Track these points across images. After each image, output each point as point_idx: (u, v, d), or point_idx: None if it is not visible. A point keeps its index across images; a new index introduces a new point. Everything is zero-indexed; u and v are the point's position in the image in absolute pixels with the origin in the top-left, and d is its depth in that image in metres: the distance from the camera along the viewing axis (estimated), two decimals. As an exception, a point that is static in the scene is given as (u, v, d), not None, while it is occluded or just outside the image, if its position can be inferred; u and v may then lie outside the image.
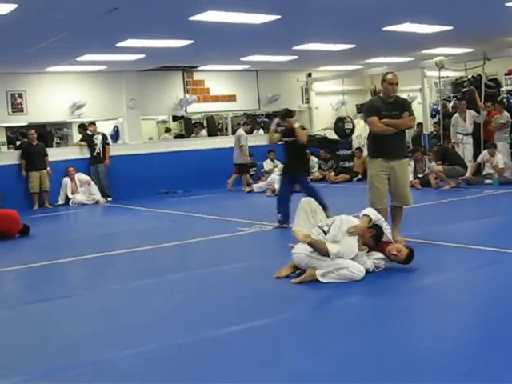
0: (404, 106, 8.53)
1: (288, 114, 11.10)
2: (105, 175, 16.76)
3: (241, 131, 17.60)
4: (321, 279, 6.76)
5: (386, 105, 8.45)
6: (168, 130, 21.90)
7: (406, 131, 9.57)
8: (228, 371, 4.45)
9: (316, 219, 7.49)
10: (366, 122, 8.90)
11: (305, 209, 7.58)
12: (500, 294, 6.17)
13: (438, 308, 5.81)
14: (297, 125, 10.76)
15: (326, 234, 7.07)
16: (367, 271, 6.86)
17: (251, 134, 19.22)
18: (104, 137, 17.12)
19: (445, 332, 5.06)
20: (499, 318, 5.33)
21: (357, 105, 20.57)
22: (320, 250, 6.86)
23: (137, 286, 7.21)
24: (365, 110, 8.92)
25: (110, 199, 16.53)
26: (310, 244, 6.90)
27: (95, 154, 16.81)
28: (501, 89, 17.41)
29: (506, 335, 4.88)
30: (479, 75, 16.50)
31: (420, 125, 18.90)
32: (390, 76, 8.49)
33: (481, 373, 4.16)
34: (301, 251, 7.00)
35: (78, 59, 14.54)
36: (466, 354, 4.55)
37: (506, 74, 17.44)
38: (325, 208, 9.50)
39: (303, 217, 7.52)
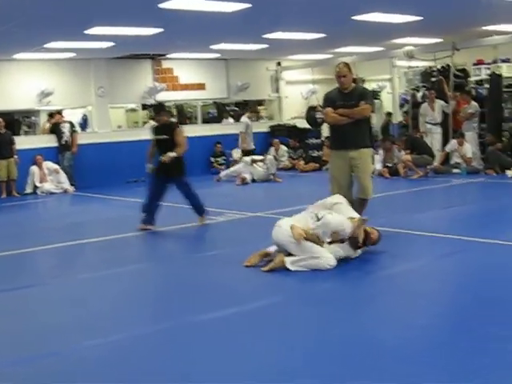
0: (361, 96, 8.45)
1: (160, 108, 10.35)
2: (69, 164, 16.60)
3: (245, 118, 17.61)
4: (290, 267, 6.79)
5: (342, 95, 8.46)
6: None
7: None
8: (191, 360, 4.46)
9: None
10: None
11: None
12: (468, 282, 6.24)
13: (406, 296, 5.86)
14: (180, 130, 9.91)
15: (318, 220, 7.15)
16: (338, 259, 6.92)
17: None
18: (72, 125, 16.97)
19: (412, 320, 5.10)
20: (467, 306, 5.40)
21: (326, 94, 20.60)
22: (314, 241, 6.95)
23: (106, 275, 7.19)
24: (322, 102, 8.96)
25: (73, 188, 16.29)
26: (306, 239, 6.94)
27: (63, 142, 16.65)
28: (469, 79, 17.50)
29: (474, 323, 4.93)
30: (448, 65, 16.58)
31: (389, 114, 19.02)
32: (337, 69, 8.54)
33: (448, 361, 4.20)
34: (286, 228, 7.02)
35: (45, 46, 14.36)
36: (434, 343, 4.59)
37: (474, 65, 17.52)
38: (200, 211, 9.48)
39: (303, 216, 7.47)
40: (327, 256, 6.86)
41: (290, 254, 6.94)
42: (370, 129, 9.00)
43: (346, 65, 8.63)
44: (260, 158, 16.63)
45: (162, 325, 5.26)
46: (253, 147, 17.63)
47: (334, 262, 6.83)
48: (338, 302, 5.82)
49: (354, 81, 8.97)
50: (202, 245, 8.86)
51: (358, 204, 8.42)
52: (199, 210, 9.90)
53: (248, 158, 16.46)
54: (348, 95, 8.43)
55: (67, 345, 4.92)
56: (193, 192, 10.03)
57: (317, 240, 6.97)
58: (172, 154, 9.62)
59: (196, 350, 4.64)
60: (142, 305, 6.03)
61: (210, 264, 7.50)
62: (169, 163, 9.72)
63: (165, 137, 9.84)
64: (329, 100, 8.62)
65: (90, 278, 7.12)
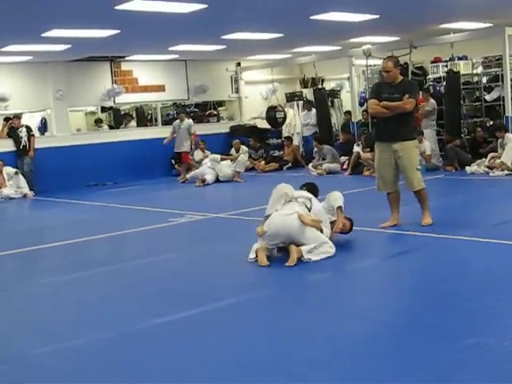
0: (406, 89, 8.39)
1: None
2: (29, 168, 16.43)
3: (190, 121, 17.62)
4: (310, 257, 6.89)
5: (388, 88, 8.46)
6: (99, 121, 21.42)
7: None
8: (159, 364, 4.44)
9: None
10: None
11: (279, 193, 7.53)
12: (426, 278, 6.30)
13: (365, 293, 5.90)
14: None
15: (309, 210, 7.35)
16: None
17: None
18: (28, 129, 16.79)
19: (371, 316, 5.13)
20: (422, 302, 5.44)
21: (286, 93, 20.64)
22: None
23: (68, 280, 7.13)
24: (369, 92, 9.03)
25: (32, 193, 16.11)
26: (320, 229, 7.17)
27: (21, 146, 16.48)
28: (427, 77, 17.66)
29: (428, 318, 4.97)
30: (406, 63, 16.67)
31: (348, 113, 19.10)
32: (382, 64, 8.62)
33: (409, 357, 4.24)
34: (295, 217, 7.08)
35: (2, 50, 14.23)
36: (394, 339, 4.63)
37: (432, 62, 17.69)
38: None
39: (276, 200, 7.48)
40: (329, 241, 7.14)
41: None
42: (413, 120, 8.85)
43: (391, 59, 8.64)
44: (229, 156, 16.79)
45: (128, 327, 5.22)
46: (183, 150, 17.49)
47: (334, 248, 7.12)
48: (299, 301, 5.81)
49: (402, 73, 8.91)
50: (162, 246, 8.80)
51: (417, 197, 8.58)
52: None
53: (217, 156, 16.49)
54: (394, 88, 8.41)
55: (26, 351, 4.87)
56: None
57: (320, 227, 7.20)
58: None
59: (161, 353, 4.62)
60: (104, 308, 5.98)
61: (171, 266, 7.48)
62: None
63: None
64: (375, 91, 8.69)
65: (50, 283, 7.05)
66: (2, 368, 4.58)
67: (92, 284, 6.94)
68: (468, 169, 14.26)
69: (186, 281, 6.75)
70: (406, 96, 8.32)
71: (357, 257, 7.31)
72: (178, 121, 17.45)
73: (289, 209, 7.26)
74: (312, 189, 7.91)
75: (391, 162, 8.51)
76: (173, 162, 18.41)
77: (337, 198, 7.69)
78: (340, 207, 7.57)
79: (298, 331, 4.88)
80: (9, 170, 16.08)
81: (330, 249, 7.09)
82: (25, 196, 15.88)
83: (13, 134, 16.64)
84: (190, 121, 17.61)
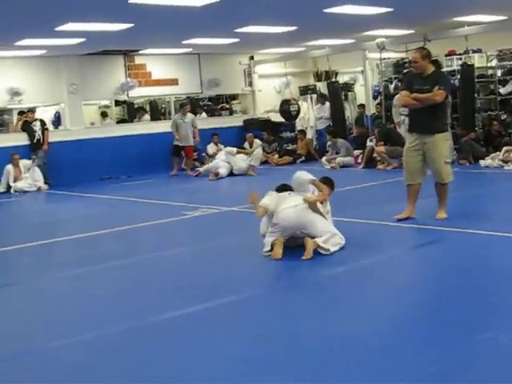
0: (436, 81, 8.34)
1: None
2: (43, 162, 16.49)
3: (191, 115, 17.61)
4: (328, 247, 6.91)
5: (420, 79, 8.43)
6: (104, 114, 21.39)
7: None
8: (169, 358, 4.44)
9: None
10: None
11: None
12: (442, 272, 6.26)
13: (379, 287, 5.87)
14: None
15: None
16: None
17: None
18: (42, 122, 16.85)
19: (383, 311, 5.11)
20: (440, 297, 5.42)
21: (300, 87, 20.58)
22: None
23: (81, 273, 7.14)
24: (402, 83, 9.07)
25: (46, 186, 16.17)
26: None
27: (35, 140, 16.54)
28: (441, 70, 17.56)
29: (447, 314, 4.95)
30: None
31: (362, 106, 19.04)
32: (410, 56, 8.64)
33: (423, 352, 4.22)
34: (305, 206, 7.16)
35: (16, 44, 14.26)
36: (408, 334, 4.61)
37: (446, 55, 17.58)
38: None
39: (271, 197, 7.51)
40: (338, 232, 7.14)
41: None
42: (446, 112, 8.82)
43: (419, 50, 8.59)
44: (245, 150, 16.86)
45: (140, 321, 5.22)
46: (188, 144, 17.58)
47: (344, 239, 7.14)
48: (309, 295, 5.79)
49: (434, 65, 8.87)
50: (176, 240, 8.80)
51: (439, 189, 8.54)
52: None
53: (233, 149, 16.49)
54: (425, 79, 8.37)
55: (39, 344, 4.88)
56: None
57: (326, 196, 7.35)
58: None
59: (172, 346, 4.62)
60: (116, 302, 5.99)
61: (184, 260, 7.49)
62: None
63: None
64: (407, 82, 8.72)
65: (63, 277, 7.07)
66: (14, 361, 4.59)
67: (105, 278, 6.95)
68: (482, 162, 14.20)
69: (199, 275, 6.74)
70: (436, 88, 8.25)
71: (372, 251, 7.26)
72: (179, 115, 17.55)
73: (293, 201, 7.27)
74: (329, 183, 7.86)
75: (420, 153, 8.47)
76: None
77: (300, 175, 7.77)
78: (311, 179, 7.58)
79: (312, 326, 4.87)
80: (25, 162, 16.16)
81: (340, 240, 7.09)
82: (39, 189, 15.94)
83: (27, 127, 16.70)
84: (192, 115, 17.68)
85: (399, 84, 16.89)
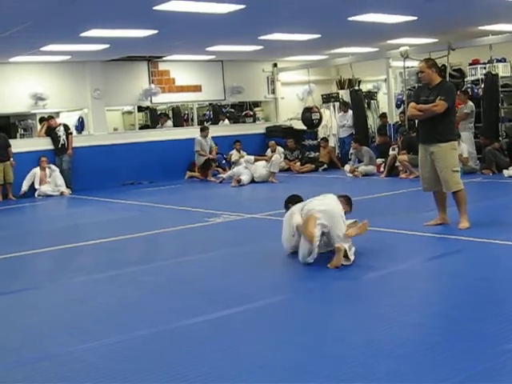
0: (439, 92, 8.38)
1: None
2: (68, 166, 16.61)
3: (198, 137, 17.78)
4: (350, 255, 6.88)
5: (427, 90, 8.53)
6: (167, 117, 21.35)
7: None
8: (193, 363, 4.45)
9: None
10: None
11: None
12: (464, 282, 6.23)
13: (401, 296, 5.85)
14: None
15: None
16: None
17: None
18: (66, 127, 16.98)
19: (408, 319, 5.10)
20: (461, 306, 5.39)
21: (322, 95, 20.57)
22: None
23: (104, 278, 7.18)
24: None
25: (69, 191, 16.26)
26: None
27: (59, 145, 16.67)
28: (465, 79, 17.50)
29: (468, 323, 4.93)
30: (444, 65, 16.54)
31: (384, 115, 19.01)
32: (418, 66, 8.74)
33: (443, 361, 4.20)
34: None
35: (41, 49, 14.38)
36: (428, 342, 4.59)
37: (470, 64, 17.52)
38: None
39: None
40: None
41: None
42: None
43: (425, 61, 8.65)
44: (264, 157, 16.92)
45: (163, 326, 5.24)
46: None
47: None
48: (333, 302, 5.80)
49: (441, 75, 8.95)
50: (198, 246, 8.81)
51: (454, 198, 8.63)
52: None
53: (251, 157, 16.52)
54: (431, 90, 8.46)
55: (64, 348, 4.91)
56: None
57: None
58: None
59: (194, 351, 4.63)
60: (138, 307, 6.00)
61: (206, 266, 7.50)
62: None
63: None
64: (415, 94, 8.90)
65: (87, 281, 7.10)
66: (42, 364, 4.61)
67: (128, 282, 6.97)
68: (506, 172, 14.12)
69: (221, 280, 6.75)
70: (438, 98, 8.31)
71: (394, 259, 7.24)
72: (201, 137, 17.64)
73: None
74: (347, 201, 7.75)
75: (429, 163, 8.56)
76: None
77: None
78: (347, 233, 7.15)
79: (337, 333, 4.87)
80: (53, 167, 16.29)
81: (354, 249, 7.04)
82: (61, 194, 16.03)
83: (51, 132, 16.82)
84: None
85: (411, 93, 16.88)
